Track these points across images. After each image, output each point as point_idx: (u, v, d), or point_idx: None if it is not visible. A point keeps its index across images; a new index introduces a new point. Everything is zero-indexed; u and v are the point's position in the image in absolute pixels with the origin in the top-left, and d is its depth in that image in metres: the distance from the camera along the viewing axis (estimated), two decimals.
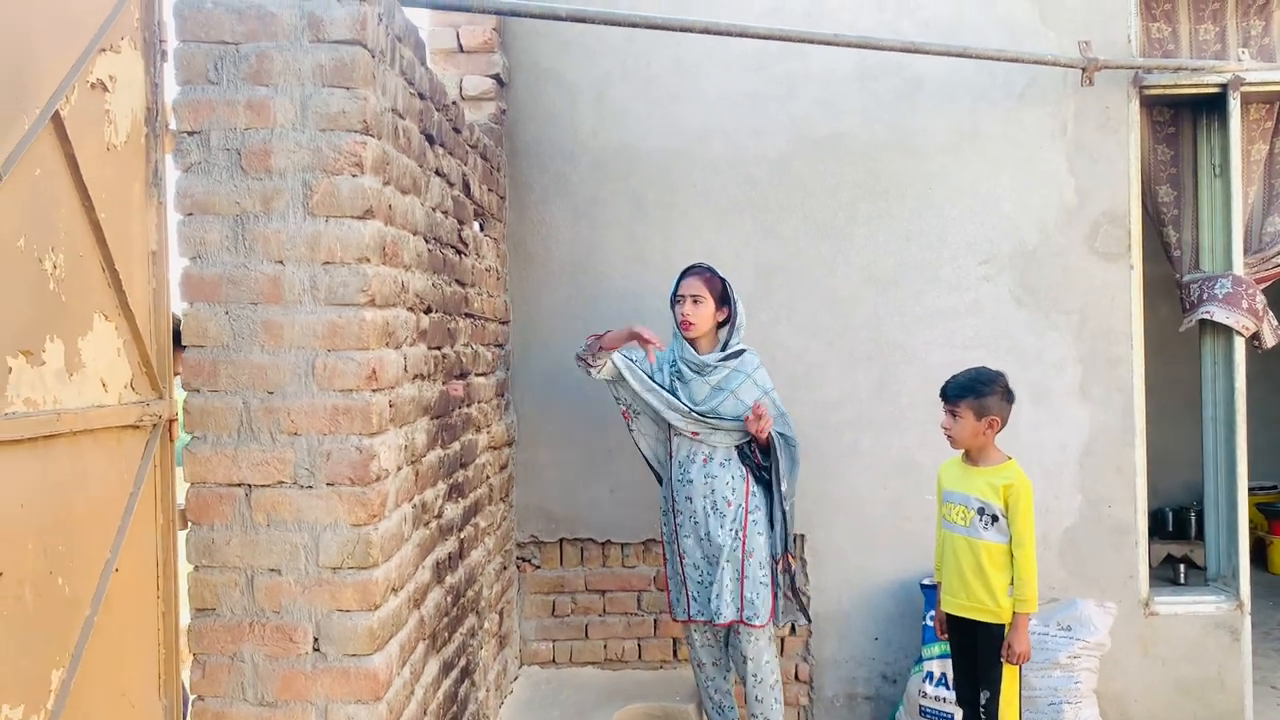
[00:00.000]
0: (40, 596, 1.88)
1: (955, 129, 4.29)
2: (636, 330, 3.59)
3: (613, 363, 3.74)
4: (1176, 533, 7.12)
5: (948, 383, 3.41)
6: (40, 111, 1.90)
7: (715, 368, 3.66)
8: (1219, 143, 4.35)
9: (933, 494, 4.24)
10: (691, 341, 3.71)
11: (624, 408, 3.87)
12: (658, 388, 3.70)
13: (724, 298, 3.70)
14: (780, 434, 3.68)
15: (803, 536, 4.28)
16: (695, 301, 3.66)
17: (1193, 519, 7.12)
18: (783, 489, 3.66)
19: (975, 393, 3.32)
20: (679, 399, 3.67)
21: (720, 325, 3.73)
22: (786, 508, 3.68)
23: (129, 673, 2.22)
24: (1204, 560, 6.51)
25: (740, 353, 3.72)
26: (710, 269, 3.73)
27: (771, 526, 3.68)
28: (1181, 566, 6.57)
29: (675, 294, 3.72)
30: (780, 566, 3.68)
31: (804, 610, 3.93)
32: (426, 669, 2.80)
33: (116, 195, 2.19)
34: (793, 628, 4.31)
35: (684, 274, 3.73)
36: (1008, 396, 3.36)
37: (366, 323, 2.35)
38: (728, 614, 3.62)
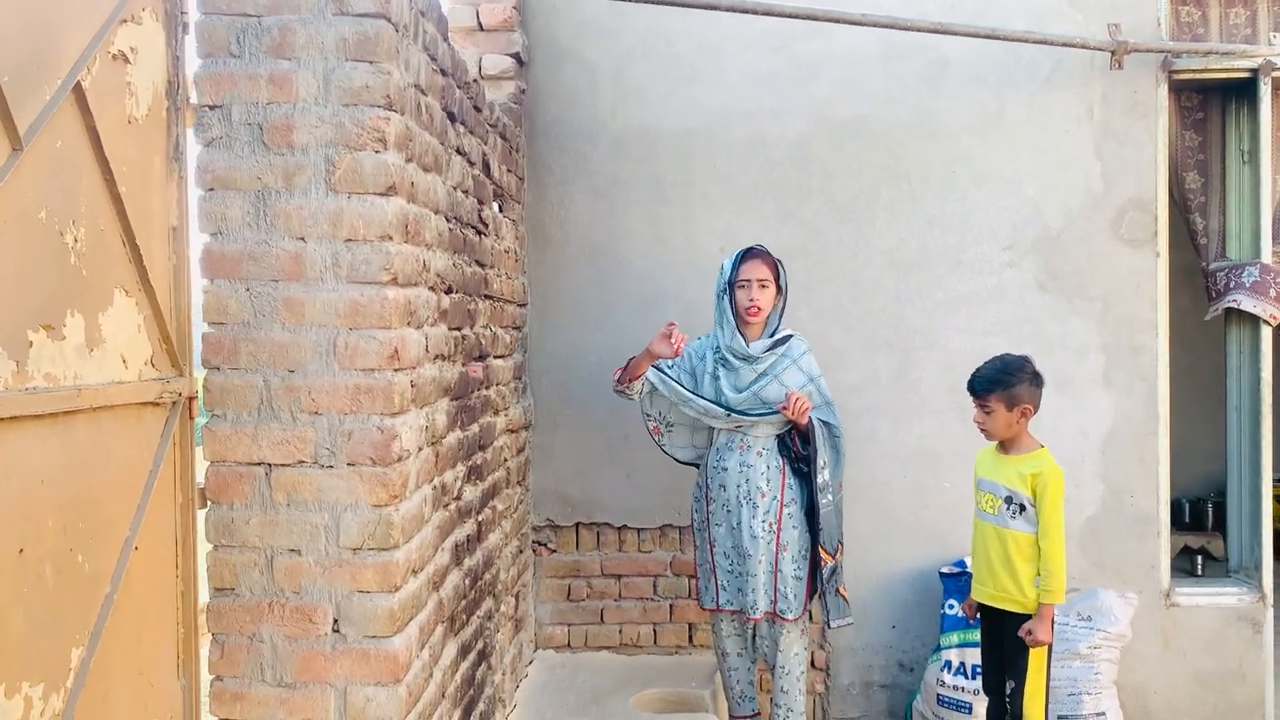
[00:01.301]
0: (60, 574, 1.86)
1: (980, 112, 4.23)
2: (653, 348, 3.58)
3: (647, 379, 3.70)
4: (1193, 524, 7.07)
5: (974, 377, 3.35)
6: (61, 82, 1.87)
7: (760, 357, 3.60)
8: (1248, 129, 4.28)
9: (951, 482, 4.23)
10: (747, 326, 3.63)
11: (654, 424, 3.82)
12: (693, 396, 3.63)
13: (779, 281, 3.64)
14: (824, 422, 3.60)
15: None
16: (763, 286, 3.58)
17: (1210, 510, 7.07)
18: (819, 480, 3.55)
19: (1003, 384, 3.27)
20: (718, 401, 3.60)
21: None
22: (824, 500, 3.56)
23: (148, 652, 2.20)
24: (1221, 552, 6.48)
25: (787, 338, 3.64)
26: (767, 250, 3.66)
27: (809, 520, 3.59)
28: (1199, 558, 6.53)
29: (735, 278, 3.62)
30: (823, 563, 3.57)
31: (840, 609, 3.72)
32: (445, 652, 2.78)
33: (137, 169, 2.16)
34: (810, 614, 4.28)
35: (744, 256, 3.63)
36: (1036, 381, 3.31)
37: (389, 301, 2.32)
38: (762, 606, 3.59)
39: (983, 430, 3.37)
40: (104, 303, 2.02)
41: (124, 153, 2.09)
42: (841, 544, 3.69)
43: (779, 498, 3.58)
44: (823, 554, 3.58)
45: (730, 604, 3.67)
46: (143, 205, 2.17)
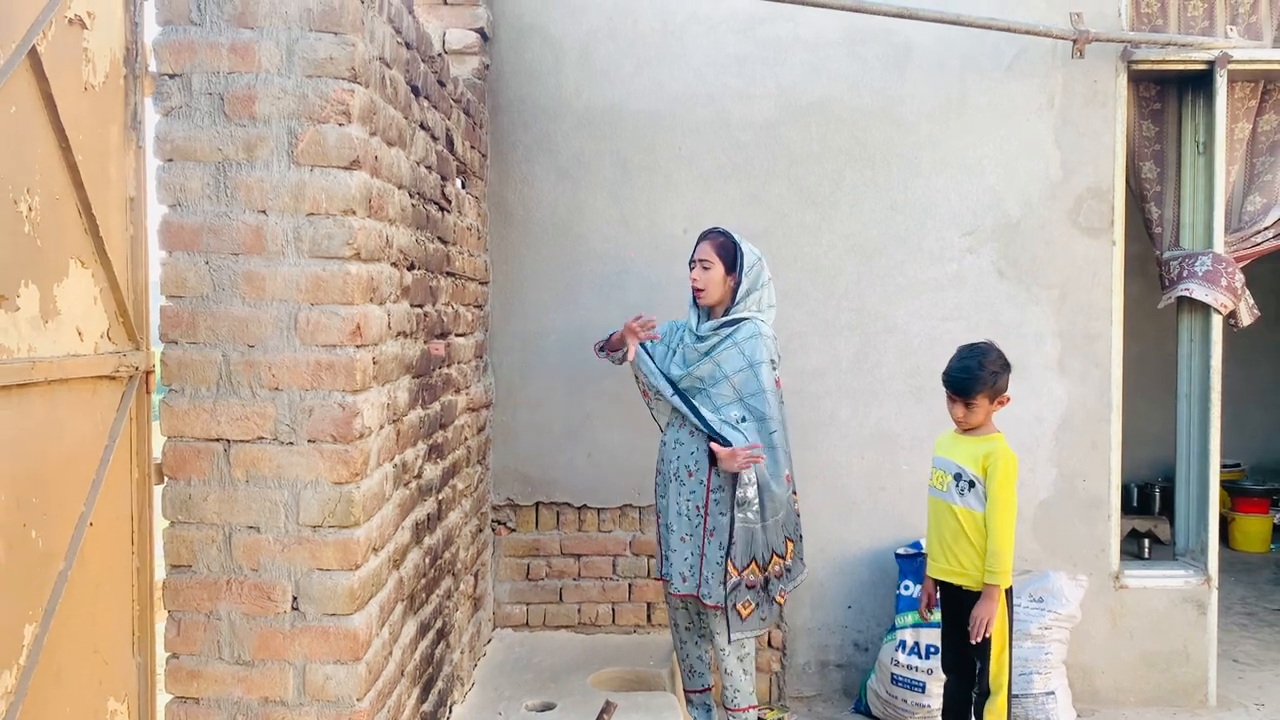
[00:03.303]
0: (13, 549, 1.82)
1: (943, 98, 4.26)
2: (626, 330, 3.66)
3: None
4: (1140, 508, 7.24)
5: (952, 378, 3.36)
6: (16, 46, 1.82)
7: (707, 336, 3.62)
8: (1204, 120, 4.35)
9: (909, 465, 4.29)
10: (706, 308, 3.65)
11: (643, 388, 3.84)
12: (655, 371, 3.68)
13: (734, 264, 3.63)
14: (760, 416, 3.52)
15: None
16: (704, 267, 3.59)
17: (1157, 495, 7.24)
18: (739, 495, 3.46)
19: (987, 382, 3.30)
20: (666, 375, 3.65)
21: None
22: (741, 516, 3.47)
23: (103, 629, 2.17)
24: (1168, 535, 6.64)
25: (740, 320, 3.60)
26: (725, 233, 3.65)
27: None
28: (1146, 541, 6.69)
29: (690, 258, 3.66)
30: (728, 576, 3.48)
31: (773, 616, 3.66)
32: (404, 630, 2.77)
33: (94, 137, 2.11)
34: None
35: (699, 238, 3.66)
36: (1008, 366, 3.37)
37: (351, 277, 2.29)
38: (681, 586, 3.60)
39: (957, 422, 3.40)
40: (59, 274, 1.98)
41: (80, 120, 2.04)
42: (784, 572, 3.60)
43: (705, 482, 3.56)
44: (730, 567, 3.47)
45: (668, 575, 3.70)
46: (99, 175, 2.12)
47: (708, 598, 3.55)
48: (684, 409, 3.59)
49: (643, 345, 3.74)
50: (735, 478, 3.46)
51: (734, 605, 3.51)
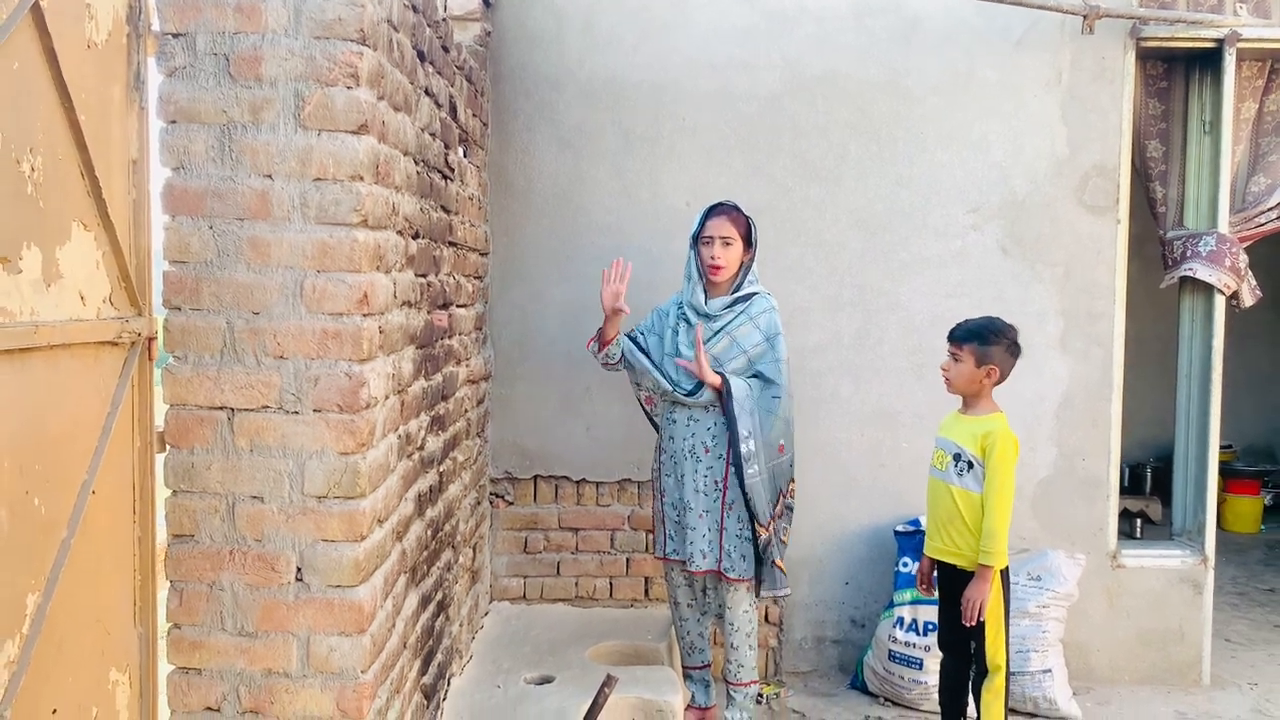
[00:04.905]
0: (16, 517, 1.79)
1: (950, 72, 4.21)
2: (603, 303, 3.61)
3: (621, 350, 3.73)
4: (1133, 488, 7.25)
5: (957, 325, 3.35)
6: (19, 0, 1.76)
7: (718, 315, 3.57)
8: (1211, 99, 4.32)
9: (909, 442, 4.27)
10: (712, 284, 3.60)
11: (645, 394, 3.86)
12: (652, 368, 3.64)
13: (749, 238, 3.60)
14: (766, 380, 3.55)
15: None
16: (726, 244, 3.54)
17: (1149, 475, 7.27)
18: (743, 450, 3.45)
19: (981, 338, 3.28)
20: (668, 374, 3.62)
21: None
22: (750, 471, 3.46)
23: (105, 599, 2.14)
24: (1160, 515, 6.66)
25: (751, 296, 3.60)
26: (736, 207, 3.62)
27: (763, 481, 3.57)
28: (1138, 521, 6.71)
29: (700, 234, 3.60)
30: (758, 533, 3.52)
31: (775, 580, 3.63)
32: (407, 602, 2.75)
33: (97, 97, 2.05)
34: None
35: (710, 212, 3.60)
36: (1013, 350, 3.31)
37: (358, 244, 2.25)
38: (701, 563, 3.59)
39: (945, 377, 3.36)
40: (61, 236, 1.93)
41: (83, 79, 1.99)
42: (785, 511, 3.63)
43: (724, 456, 3.56)
44: (757, 527, 3.51)
45: (676, 554, 3.69)
46: (102, 135, 2.07)
47: (730, 571, 3.55)
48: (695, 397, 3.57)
49: (634, 340, 3.71)
50: (733, 439, 3.47)
51: (771, 561, 3.55)
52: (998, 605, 3.30)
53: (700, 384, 3.53)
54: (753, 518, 3.50)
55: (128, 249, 2.18)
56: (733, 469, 3.54)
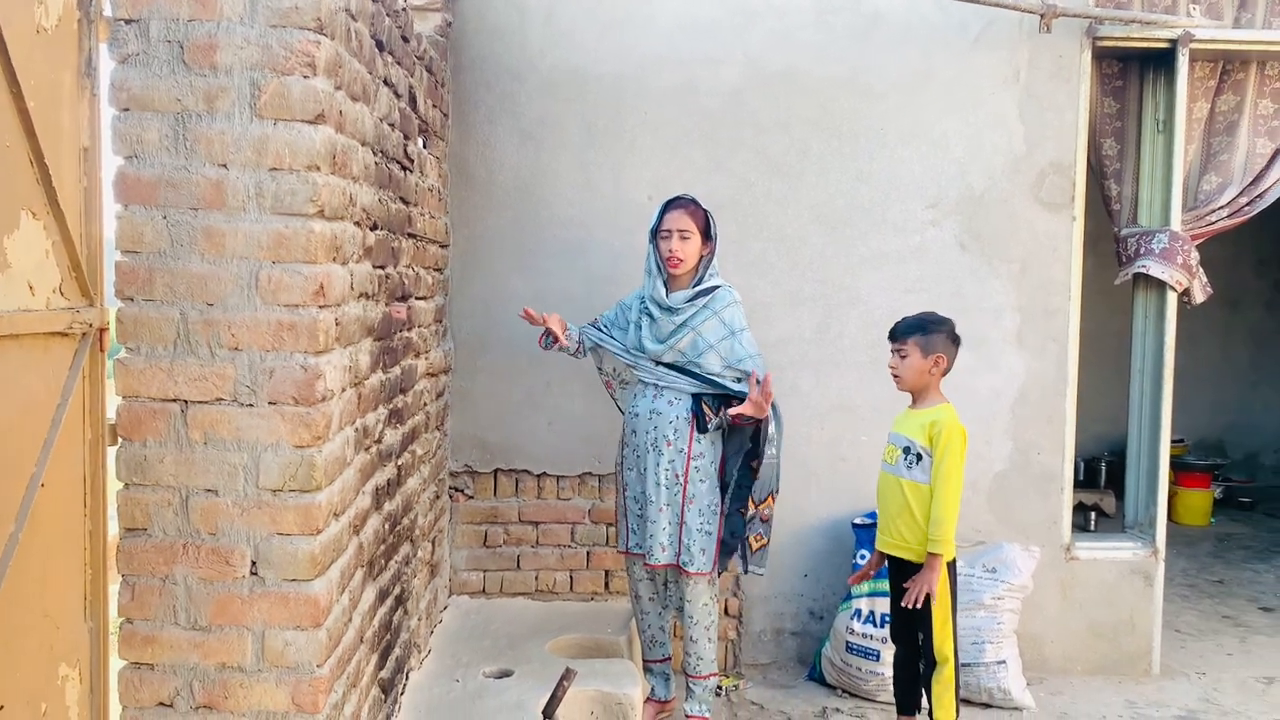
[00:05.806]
0: None
1: (910, 69, 4.24)
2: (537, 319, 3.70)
3: (587, 337, 3.78)
4: (1087, 482, 7.37)
5: (896, 323, 3.41)
6: None
7: (680, 309, 3.58)
8: (1164, 99, 4.39)
9: (868, 435, 4.30)
10: (673, 278, 3.61)
11: (606, 379, 3.89)
12: (623, 351, 3.69)
13: (708, 232, 3.61)
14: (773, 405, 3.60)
15: None
16: (684, 237, 3.54)
17: (1103, 469, 7.38)
18: (768, 431, 3.56)
19: (923, 329, 3.33)
20: (640, 348, 3.63)
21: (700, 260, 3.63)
22: (769, 452, 3.59)
23: (53, 593, 2.10)
24: (1113, 509, 6.77)
25: (713, 289, 3.60)
26: (694, 201, 3.62)
27: (742, 475, 3.66)
28: (1092, 514, 6.81)
29: (658, 228, 3.59)
30: (745, 509, 3.64)
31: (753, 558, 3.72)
32: (364, 596, 2.73)
33: (46, 83, 2.02)
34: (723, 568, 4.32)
35: (668, 206, 3.60)
36: (954, 339, 3.37)
37: (315, 235, 2.23)
38: (661, 557, 3.60)
39: (895, 376, 3.41)
40: (9, 225, 1.90)
41: (32, 65, 1.95)
42: (774, 495, 3.69)
43: (685, 450, 3.58)
44: (750, 504, 3.60)
45: (638, 547, 3.70)
46: (52, 123, 2.04)
47: (689, 565, 3.56)
48: (677, 377, 3.59)
49: (601, 328, 3.75)
50: (761, 443, 3.57)
51: (746, 539, 3.63)
52: (945, 597, 3.34)
53: (666, 341, 3.58)
54: (729, 506, 3.64)
55: (79, 238, 2.14)
56: (694, 463, 3.56)
